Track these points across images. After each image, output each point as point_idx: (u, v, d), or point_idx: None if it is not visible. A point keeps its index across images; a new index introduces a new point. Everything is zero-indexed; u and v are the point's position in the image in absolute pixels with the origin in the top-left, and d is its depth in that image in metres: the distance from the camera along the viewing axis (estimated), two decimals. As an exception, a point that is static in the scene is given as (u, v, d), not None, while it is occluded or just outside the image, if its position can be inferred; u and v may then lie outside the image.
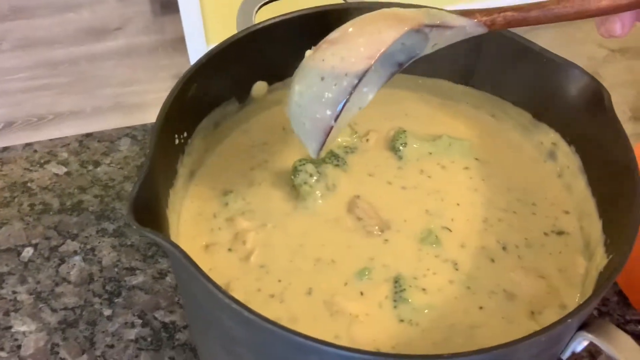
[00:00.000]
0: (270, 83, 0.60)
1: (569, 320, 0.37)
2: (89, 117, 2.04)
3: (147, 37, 2.29)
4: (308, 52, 0.46)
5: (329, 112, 0.44)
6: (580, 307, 0.38)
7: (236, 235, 0.52)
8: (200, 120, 0.55)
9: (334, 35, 0.45)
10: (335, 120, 0.44)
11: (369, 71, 0.43)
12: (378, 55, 0.42)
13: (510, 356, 0.39)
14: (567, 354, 0.43)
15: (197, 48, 2.10)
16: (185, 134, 0.53)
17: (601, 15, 0.45)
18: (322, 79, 0.43)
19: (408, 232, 0.52)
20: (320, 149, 0.46)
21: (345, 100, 0.43)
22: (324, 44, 0.45)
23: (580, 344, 0.42)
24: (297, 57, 0.59)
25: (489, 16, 0.46)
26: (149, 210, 0.43)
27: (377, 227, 0.52)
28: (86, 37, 2.28)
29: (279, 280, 0.49)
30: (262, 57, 0.57)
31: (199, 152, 0.55)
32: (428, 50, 0.46)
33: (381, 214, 0.53)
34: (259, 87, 0.59)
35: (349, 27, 0.44)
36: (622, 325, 0.60)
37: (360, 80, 0.42)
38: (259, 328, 0.37)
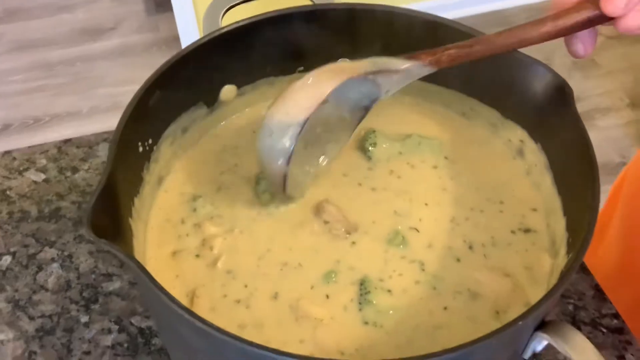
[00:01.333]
0: (239, 86, 0.59)
1: (520, 323, 0.37)
2: (86, 118, 2.04)
3: (141, 35, 2.30)
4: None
5: (280, 161, 0.48)
6: (531, 310, 0.38)
7: (204, 241, 0.52)
8: (167, 126, 0.55)
9: (284, 92, 0.49)
10: (288, 163, 0.48)
11: (338, 122, 0.50)
12: (316, 105, 0.47)
13: (467, 357, 0.39)
14: (528, 353, 0.43)
15: (192, 45, 2.10)
16: (150, 141, 0.53)
17: (545, 41, 0.46)
18: (271, 134, 0.48)
19: (375, 234, 0.52)
20: (284, 190, 0.51)
21: (292, 145, 0.47)
22: (275, 101, 0.49)
23: (539, 343, 0.42)
24: (265, 60, 0.60)
25: (433, 56, 0.48)
26: (109, 221, 0.43)
27: (343, 230, 0.52)
28: (81, 37, 2.28)
29: (245, 286, 0.49)
30: (230, 60, 0.57)
31: (166, 158, 0.55)
32: (383, 95, 0.50)
33: (349, 216, 0.53)
34: (228, 91, 0.59)
35: (296, 83, 0.48)
36: (597, 320, 0.60)
37: (302, 127, 0.47)
38: (213, 338, 0.37)
